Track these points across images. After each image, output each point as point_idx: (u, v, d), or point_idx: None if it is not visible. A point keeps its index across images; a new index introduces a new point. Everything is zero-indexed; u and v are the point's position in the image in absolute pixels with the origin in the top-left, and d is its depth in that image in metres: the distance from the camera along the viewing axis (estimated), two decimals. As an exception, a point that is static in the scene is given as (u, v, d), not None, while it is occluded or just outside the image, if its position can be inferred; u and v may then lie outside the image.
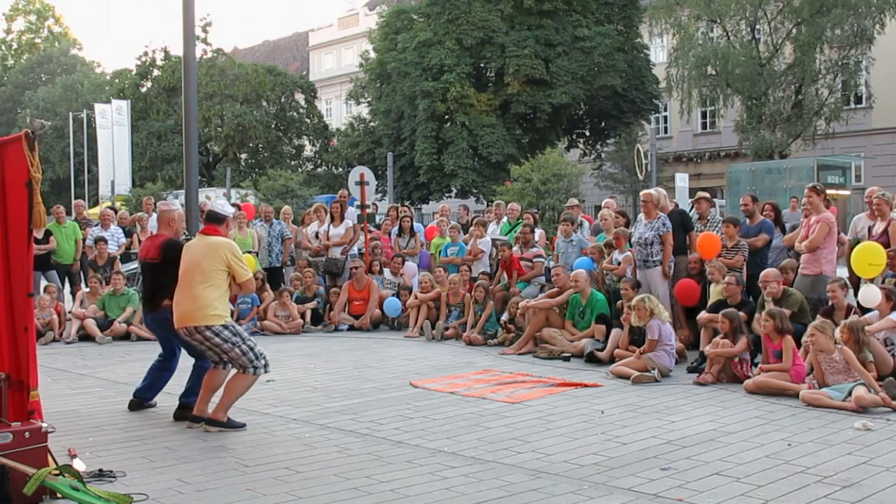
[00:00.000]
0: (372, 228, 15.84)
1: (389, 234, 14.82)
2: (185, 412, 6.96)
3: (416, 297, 12.49)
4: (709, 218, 11.17)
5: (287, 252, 14.27)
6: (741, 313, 8.57)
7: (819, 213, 9.32)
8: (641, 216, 10.45)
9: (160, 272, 7.13)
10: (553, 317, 10.41)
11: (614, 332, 9.53)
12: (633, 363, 8.59)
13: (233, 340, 6.52)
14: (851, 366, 7.10)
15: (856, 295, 8.96)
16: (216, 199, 7.24)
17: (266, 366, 6.67)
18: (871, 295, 8.26)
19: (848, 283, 8.92)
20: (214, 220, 6.88)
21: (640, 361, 8.54)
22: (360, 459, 5.68)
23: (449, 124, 33.96)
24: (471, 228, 13.77)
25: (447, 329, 11.81)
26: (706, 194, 11.87)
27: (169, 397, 7.39)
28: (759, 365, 7.98)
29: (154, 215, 13.85)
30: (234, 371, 6.68)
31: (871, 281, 8.70)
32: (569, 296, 10.41)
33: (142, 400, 7.44)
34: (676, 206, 11.56)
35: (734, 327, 8.22)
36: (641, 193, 10.67)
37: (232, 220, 7.13)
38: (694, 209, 11.59)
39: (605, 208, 12.28)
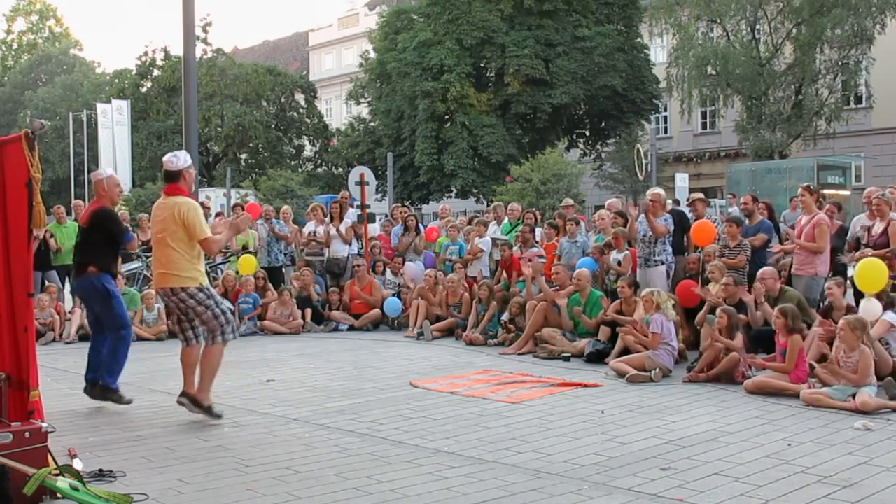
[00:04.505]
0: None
1: (388, 233, 14.84)
2: (92, 390, 7.15)
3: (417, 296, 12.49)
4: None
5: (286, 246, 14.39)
6: (741, 315, 8.56)
7: (811, 213, 9.30)
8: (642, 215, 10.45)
9: (87, 238, 7.27)
10: (553, 316, 10.42)
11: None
12: (633, 360, 8.59)
13: (206, 303, 6.65)
14: (862, 370, 6.97)
15: (856, 300, 8.93)
16: (171, 155, 7.09)
17: (234, 331, 6.79)
18: (871, 309, 7.96)
19: (848, 282, 8.88)
20: (171, 178, 6.81)
21: (640, 359, 8.54)
22: (360, 459, 5.67)
23: (449, 124, 33.94)
24: (464, 227, 13.80)
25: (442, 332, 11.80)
26: (701, 195, 11.86)
27: (169, 396, 7.39)
28: (765, 357, 7.96)
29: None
30: (203, 346, 6.78)
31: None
32: (570, 293, 10.43)
33: (93, 382, 7.23)
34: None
35: (731, 324, 8.21)
36: (649, 192, 10.66)
37: (188, 172, 6.80)
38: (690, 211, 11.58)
39: (607, 209, 12.27)
